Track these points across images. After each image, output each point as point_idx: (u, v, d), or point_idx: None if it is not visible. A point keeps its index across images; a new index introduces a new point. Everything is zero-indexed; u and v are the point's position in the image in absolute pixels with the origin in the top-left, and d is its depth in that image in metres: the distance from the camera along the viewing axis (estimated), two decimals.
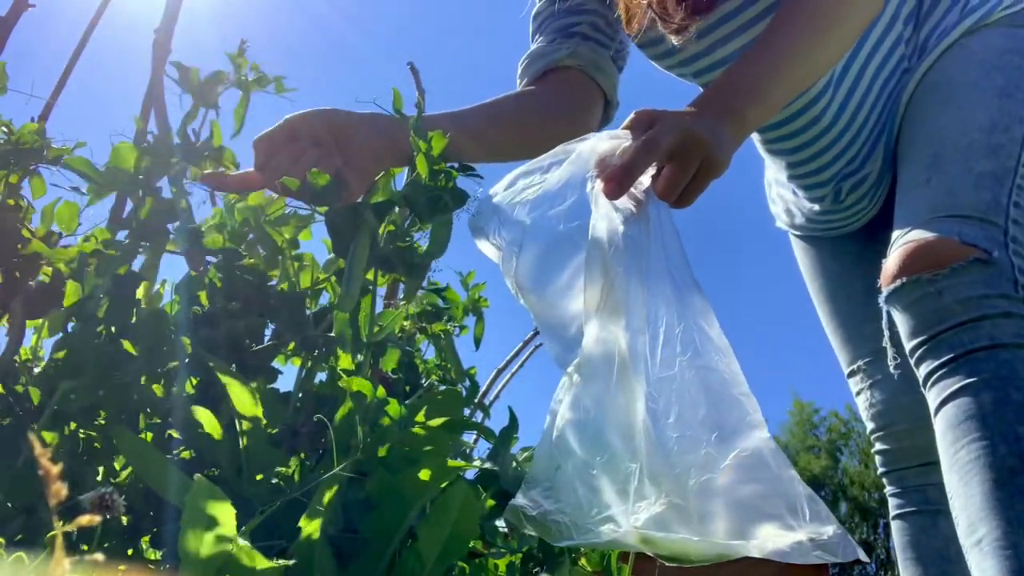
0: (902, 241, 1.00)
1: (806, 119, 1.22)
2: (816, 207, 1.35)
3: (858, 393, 1.38)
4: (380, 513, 0.71)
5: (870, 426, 1.36)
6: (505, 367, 1.87)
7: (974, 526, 0.87)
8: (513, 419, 0.96)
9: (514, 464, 0.93)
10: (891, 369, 1.09)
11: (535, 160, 0.89)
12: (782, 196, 1.45)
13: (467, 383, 1.23)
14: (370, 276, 0.99)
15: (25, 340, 0.88)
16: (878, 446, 1.36)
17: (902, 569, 1.30)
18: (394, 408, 0.75)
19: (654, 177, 0.85)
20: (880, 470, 1.37)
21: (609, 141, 0.85)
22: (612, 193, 0.80)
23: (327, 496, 0.67)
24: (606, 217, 0.81)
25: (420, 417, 0.80)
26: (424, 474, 0.71)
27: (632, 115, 0.88)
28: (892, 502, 1.34)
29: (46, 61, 1.10)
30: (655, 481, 0.68)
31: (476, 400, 1.21)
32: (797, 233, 1.47)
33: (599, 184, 0.81)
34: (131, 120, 1.01)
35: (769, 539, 0.66)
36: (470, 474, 0.93)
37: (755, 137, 1.36)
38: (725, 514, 0.68)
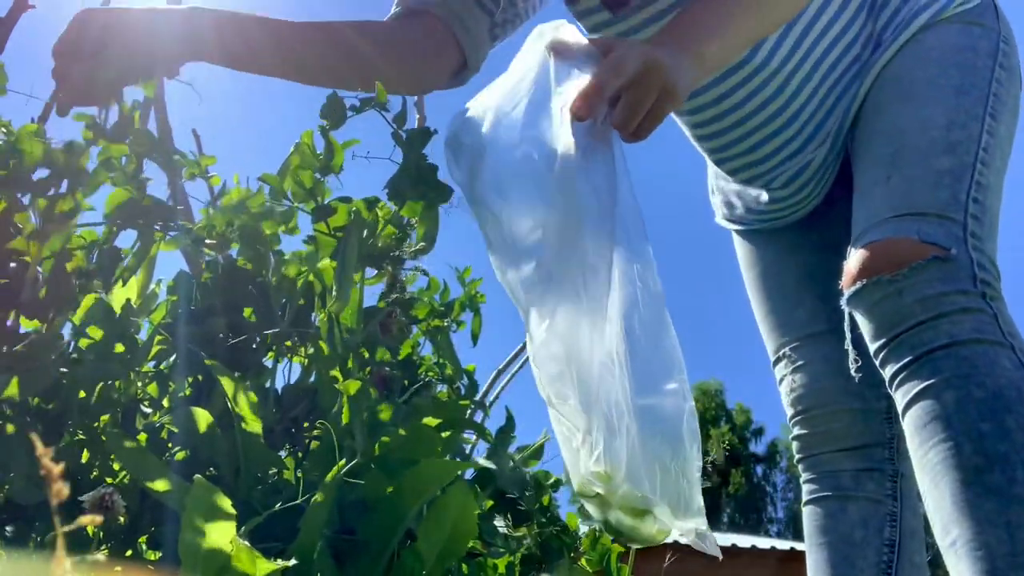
0: (863, 242, 1.01)
1: (749, 88, 1.21)
2: (764, 196, 1.34)
3: (781, 380, 1.37)
4: (377, 514, 0.71)
5: (789, 412, 1.35)
6: (505, 367, 1.87)
7: (947, 528, 0.88)
8: (510, 419, 0.96)
9: (511, 464, 0.94)
10: (852, 372, 1.11)
11: (504, 75, 0.89)
12: (722, 188, 1.43)
13: (465, 381, 1.23)
14: (357, 276, 0.99)
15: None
16: (795, 431, 1.35)
17: (808, 556, 1.29)
18: (386, 412, 0.75)
19: (611, 107, 0.84)
20: (796, 456, 1.36)
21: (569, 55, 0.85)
22: (581, 111, 0.79)
23: (327, 498, 0.67)
24: (570, 146, 0.80)
25: (430, 421, 0.80)
26: (421, 474, 0.71)
27: (590, 42, 0.87)
28: (805, 488, 1.33)
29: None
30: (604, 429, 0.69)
31: (476, 399, 1.21)
32: (737, 227, 1.46)
33: (567, 105, 0.80)
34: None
35: (667, 518, 0.70)
36: (468, 474, 0.94)
37: (689, 132, 1.34)
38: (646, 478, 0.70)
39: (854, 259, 1.01)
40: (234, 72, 1.08)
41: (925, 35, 1.15)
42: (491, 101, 0.87)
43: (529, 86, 0.85)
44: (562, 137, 0.80)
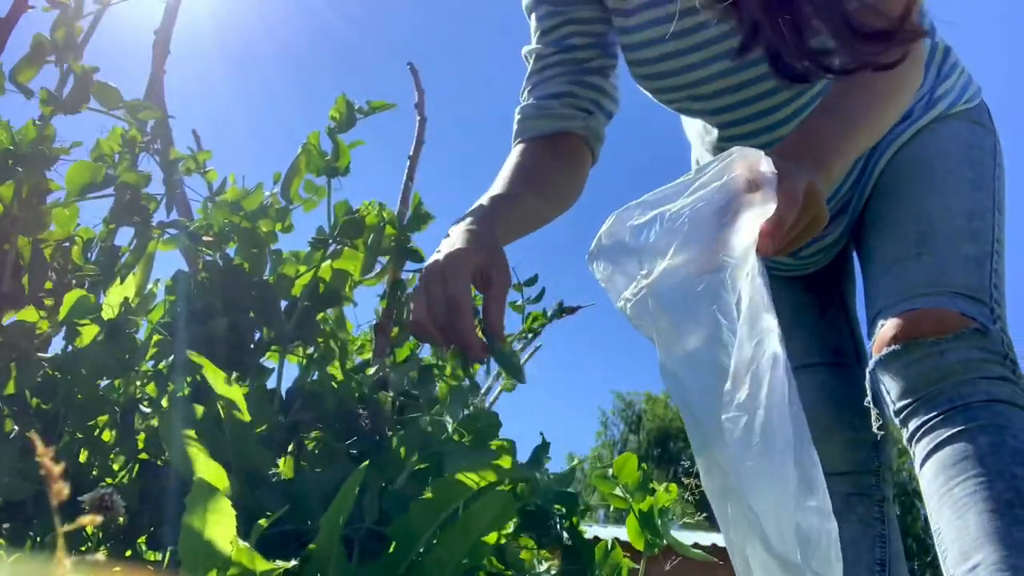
0: (899, 310, 1.05)
1: None
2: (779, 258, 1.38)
3: None
4: (410, 517, 0.70)
5: None
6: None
7: (968, 555, 0.89)
8: (545, 442, 0.95)
9: (546, 480, 0.92)
10: (874, 429, 1.15)
11: (682, 185, 0.89)
12: None
13: (467, 382, 1.23)
14: (357, 274, 0.98)
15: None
16: None
17: None
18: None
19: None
20: None
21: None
22: (768, 249, 0.81)
23: (346, 497, 0.66)
24: (752, 278, 0.81)
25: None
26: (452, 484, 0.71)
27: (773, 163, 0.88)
28: None
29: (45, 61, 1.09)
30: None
31: (476, 400, 1.20)
32: None
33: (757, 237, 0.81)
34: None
35: None
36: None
37: None
38: None
39: (890, 325, 1.05)
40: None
41: (938, 126, 1.23)
42: (673, 207, 0.86)
43: (718, 206, 0.85)
44: (745, 267, 0.81)
